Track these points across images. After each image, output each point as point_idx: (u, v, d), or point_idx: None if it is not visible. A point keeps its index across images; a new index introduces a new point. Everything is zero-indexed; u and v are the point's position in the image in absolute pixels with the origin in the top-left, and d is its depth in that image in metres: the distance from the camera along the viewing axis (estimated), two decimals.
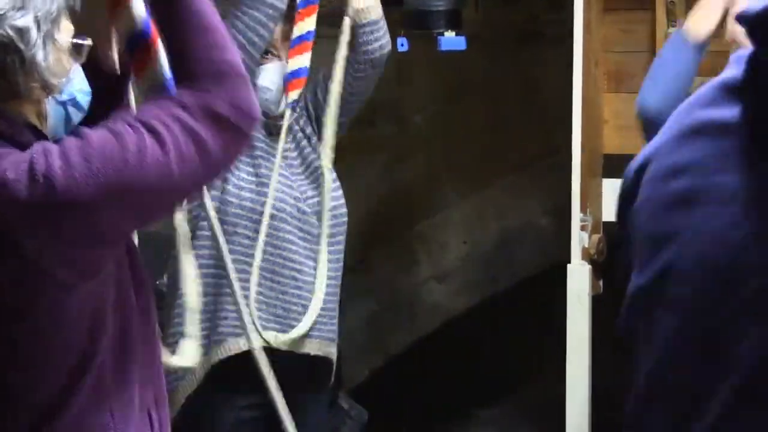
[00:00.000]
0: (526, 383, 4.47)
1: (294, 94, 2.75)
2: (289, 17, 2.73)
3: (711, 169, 0.97)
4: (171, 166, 1.51)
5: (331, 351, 2.82)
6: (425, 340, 4.55)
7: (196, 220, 2.67)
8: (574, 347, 2.96)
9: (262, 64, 2.71)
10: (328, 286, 2.77)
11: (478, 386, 4.42)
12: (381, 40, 2.81)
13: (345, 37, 2.75)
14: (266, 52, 2.72)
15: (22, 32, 1.52)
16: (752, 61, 0.99)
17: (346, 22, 2.76)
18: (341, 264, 2.84)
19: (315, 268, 2.76)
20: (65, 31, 1.58)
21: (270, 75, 2.73)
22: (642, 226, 1.03)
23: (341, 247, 2.83)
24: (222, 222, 2.61)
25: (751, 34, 0.98)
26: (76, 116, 1.70)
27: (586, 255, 3.01)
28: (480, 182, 4.49)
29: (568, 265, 3.03)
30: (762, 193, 0.93)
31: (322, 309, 2.76)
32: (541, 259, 4.30)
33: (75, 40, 1.61)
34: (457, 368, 4.43)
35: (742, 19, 0.99)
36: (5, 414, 1.58)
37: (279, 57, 2.75)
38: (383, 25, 2.83)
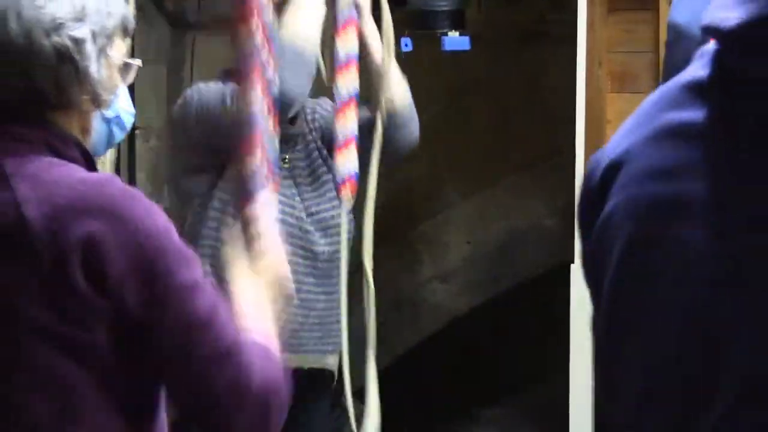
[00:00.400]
0: (529, 383, 4.47)
1: (348, 200, 2.71)
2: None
3: (692, 174, 0.97)
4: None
5: (328, 362, 2.83)
6: (428, 340, 4.55)
7: (195, 228, 2.67)
8: (577, 348, 2.96)
9: None
10: (326, 301, 2.79)
11: (481, 386, 4.42)
12: (408, 135, 2.78)
13: (378, 134, 2.70)
14: None
15: (78, 43, 1.56)
16: (718, 62, 0.97)
17: (378, 118, 2.70)
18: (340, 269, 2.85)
19: (315, 285, 2.76)
20: (118, 50, 1.62)
21: None
22: (622, 228, 1.03)
23: (345, 261, 2.84)
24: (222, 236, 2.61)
25: (721, 47, 0.97)
26: (119, 135, 1.74)
27: None
28: (483, 182, 4.49)
29: (572, 265, 3.03)
30: (745, 199, 0.93)
31: (318, 324, 2.77)
32: (545, 259, 4.30)
33: (126, 60, 1.65)
34: (459, 368, 4.44)
35: (711, 32, 0.97)
36: (8, 416, 1.58)
37: None
38: (412, 114, 2.77)
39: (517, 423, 4.41)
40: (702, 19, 0.98)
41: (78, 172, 1.55)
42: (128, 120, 1.73)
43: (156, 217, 1.54)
